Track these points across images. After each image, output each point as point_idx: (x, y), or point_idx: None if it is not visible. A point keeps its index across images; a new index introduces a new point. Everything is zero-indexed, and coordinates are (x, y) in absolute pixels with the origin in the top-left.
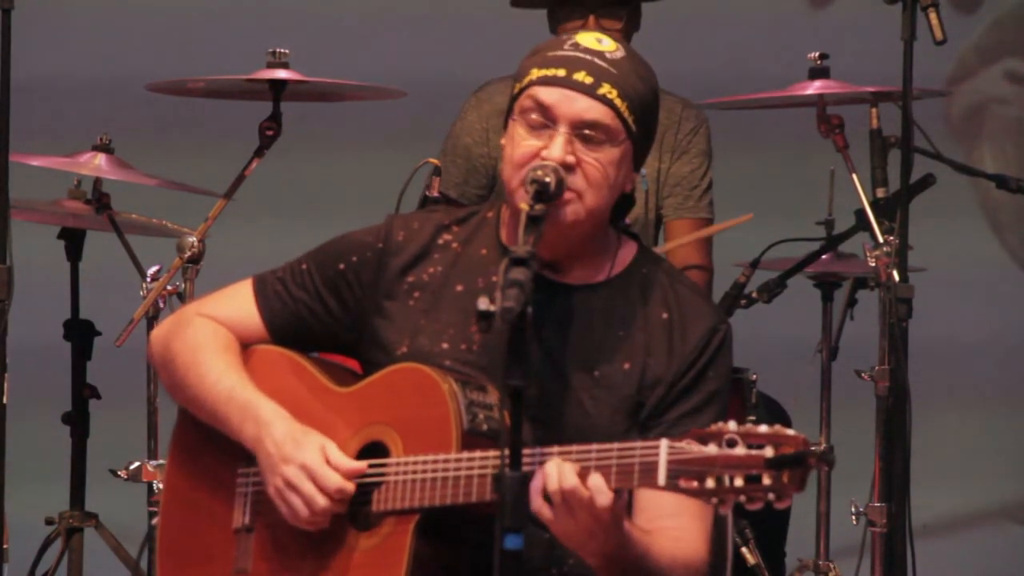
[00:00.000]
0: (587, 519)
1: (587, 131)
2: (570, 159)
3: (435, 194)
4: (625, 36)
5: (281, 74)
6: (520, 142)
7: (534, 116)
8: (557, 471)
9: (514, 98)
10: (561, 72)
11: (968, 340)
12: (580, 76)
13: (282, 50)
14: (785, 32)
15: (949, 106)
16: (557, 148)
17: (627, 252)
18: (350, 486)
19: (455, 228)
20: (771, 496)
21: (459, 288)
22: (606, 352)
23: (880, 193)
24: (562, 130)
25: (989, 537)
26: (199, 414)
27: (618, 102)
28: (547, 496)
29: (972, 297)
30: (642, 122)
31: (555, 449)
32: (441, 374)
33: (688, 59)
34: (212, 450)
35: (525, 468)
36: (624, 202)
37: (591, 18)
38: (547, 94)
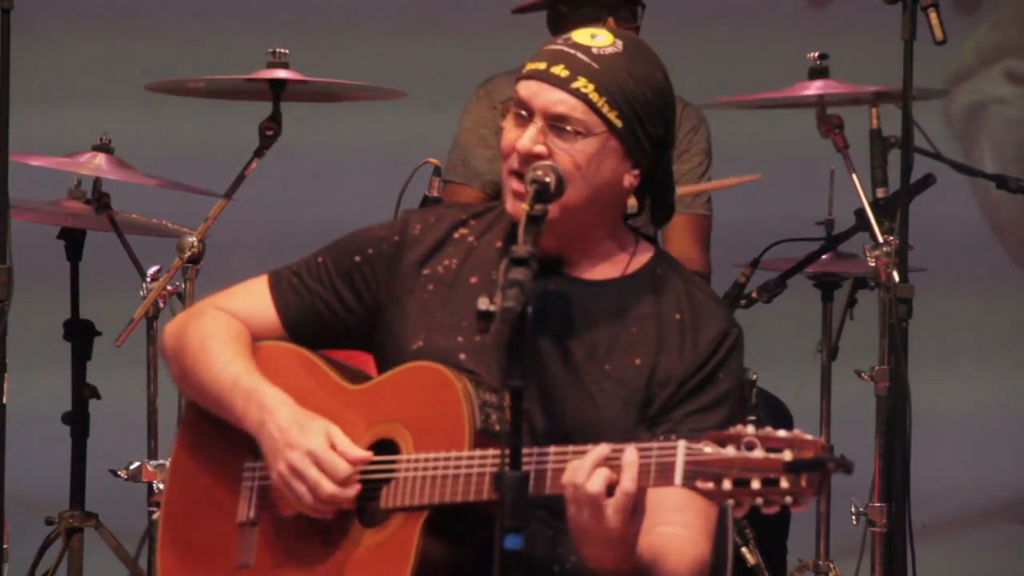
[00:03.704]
0: (590, 519)
1: (558, 123)
2: (539, 149)
3: (435, 194)
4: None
5: (281, 74)
6: (505, 134)
7: (514, 108)
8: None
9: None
10: (541, 66)
11: (967, 340)
12: (557, 69)
13: (282, 50)
14: (785, 32)
15: (949, 106)
16: (526, 138)
17: (644, 254)
18: (355, 473)
19: (472, 222)
20: (788, 500)
21: (473, 280)
22: (618, 347)
23: (880, 193)
24: (537, 122)
25: (989, 537)
26: (205, 402)
27: (593, 96)
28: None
29: (971, 297)
30: (632, 117)
31: (569, 448)
32: (456, 373)
33: (688, 59)
34: (219, 443)
35: (525, 468)
36: (656, 204)
37: (610, 20)
38: (525, 87)
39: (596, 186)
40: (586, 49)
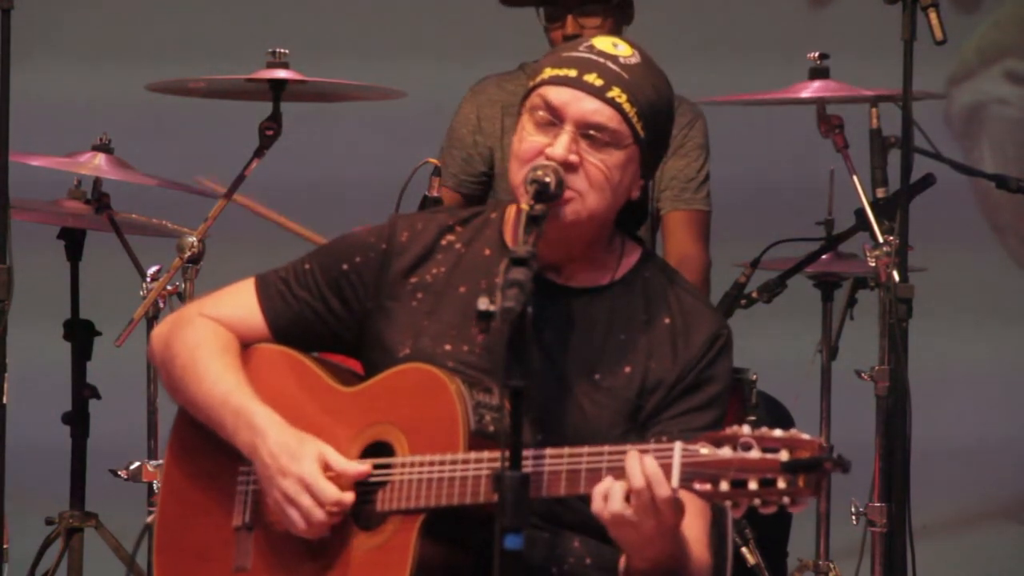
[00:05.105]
0: (652, 524)
1: (592, 132)
2: (573, 158)
3: (435, 194)
4: (614, 31)
5: (281, 74)
6: (526, 138)
7: (542, 114)
8: (640, 469)
9: (526, 95)
10: (572, 72)
11: (968, 340)
12: (591, 78)
13: (282, 50)
14: (785, 32)
15: (949, 106)
16: (560, 146)
17: (631, 257)
18: (348, 497)
19: (458, 229)
20: (786, 500)
21: (462, 289)
22: (607, 356)
23: (880, 193)
24: (568, 129)
25: (989, 537)
26: (196, 415)
27: (627, 107)
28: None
29: (972, 297)
30: (651, 129)
31: (566, 451)
32: (449, 375)
33: (688, 58)
34: (212, 448)
35: (525, 469)
36: (635, 211)
37: (568, 17)
38: (556, 93)
39: (617, 196)
40: (614, 59)
